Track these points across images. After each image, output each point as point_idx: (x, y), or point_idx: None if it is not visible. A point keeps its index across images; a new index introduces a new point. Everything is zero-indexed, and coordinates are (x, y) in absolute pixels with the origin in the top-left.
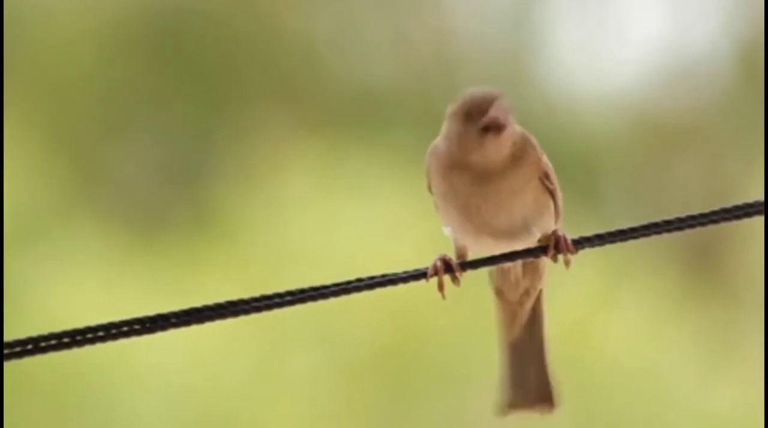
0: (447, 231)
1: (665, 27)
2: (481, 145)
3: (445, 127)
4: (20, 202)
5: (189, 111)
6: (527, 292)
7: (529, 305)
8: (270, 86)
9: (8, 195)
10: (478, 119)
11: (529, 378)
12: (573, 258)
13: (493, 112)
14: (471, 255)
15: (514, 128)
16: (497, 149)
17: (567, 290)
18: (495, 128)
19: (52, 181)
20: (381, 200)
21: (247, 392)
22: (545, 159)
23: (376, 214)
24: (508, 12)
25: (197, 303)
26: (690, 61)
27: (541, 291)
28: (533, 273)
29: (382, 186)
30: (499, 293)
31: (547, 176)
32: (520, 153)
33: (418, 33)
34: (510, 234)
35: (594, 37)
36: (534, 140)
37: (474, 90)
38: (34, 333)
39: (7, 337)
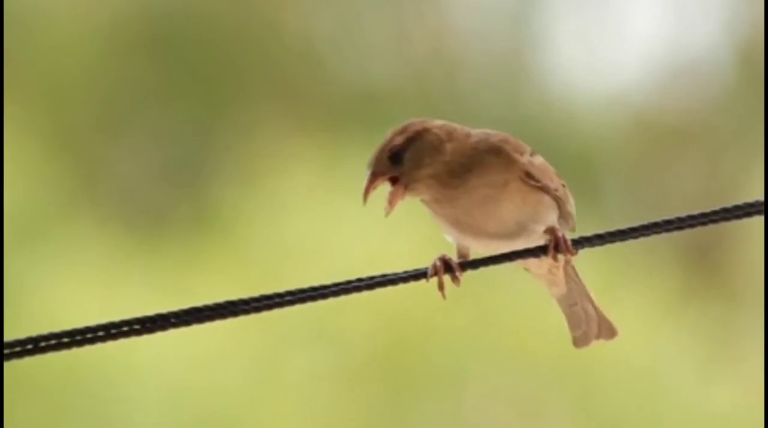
0: (448, 237)
1: (665, 27)
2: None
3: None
4: (20, 202)
5: (189, 111)
6: (554, 265)
7: (560, 272)
8: (270, 86)
9: (8, 195)
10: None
11: (585, 318)
12: (572, 258)
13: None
14: (473, 254)
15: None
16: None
17: None
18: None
19: (52, 181)
20: (381, 200)
21: (247, 392)
22: (527, 158)
23: (375, 214)
24: (508, 12)
25: (197, 303)
26: (690, 61)
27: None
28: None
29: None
30: (527, 270)
31: (529, 175)
32: (476, 162)
33: (418, 33)
34: (508, 236)
35: (594, 37)
36: (507, 144)
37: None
38: (34, 333)
39: (7, 337)
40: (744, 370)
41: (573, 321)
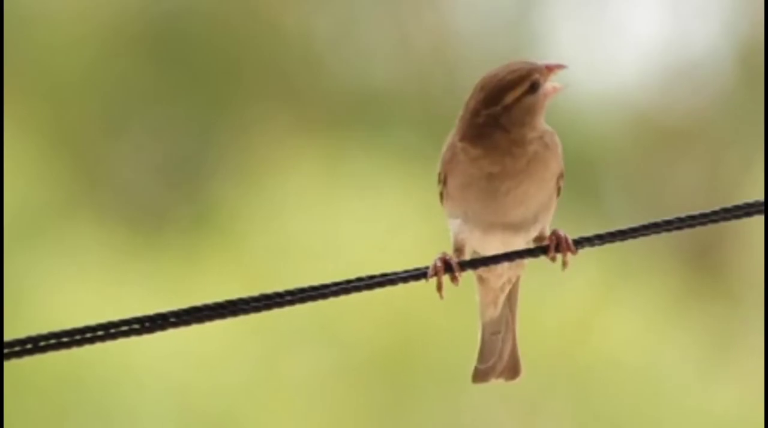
0: (453, 223)
1: (665, 27)
2: (543, 96)
3: (482, 111)
4: (21, 202)
5: (189, 110)
6: (509, 280)
7: (508, 289)
8: (270, 86)
9: (8, 194)
10: (537, 75)
11: (499, 350)
12: (572, 258)
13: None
14: (468, 250)
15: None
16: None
17: (567, 290)
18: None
19: (52, 181)
20: (380, 199)
21: (247, 391)
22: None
23: (375, 213)
24: (508, 12)
25: (197, 303)
26: (690, 61)
27: (518, 276)
28: (517, 264)
29: (381, 185)
30: (482, 280)
31: (562, 175)
32: (552, 142)
33: (418, 33)
34: (518, 228)
35: (594, 37)
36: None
37: (500, 68)
38: (34, 333)
39: (7, 337)
40: (744, 370)
41: (486, 351)
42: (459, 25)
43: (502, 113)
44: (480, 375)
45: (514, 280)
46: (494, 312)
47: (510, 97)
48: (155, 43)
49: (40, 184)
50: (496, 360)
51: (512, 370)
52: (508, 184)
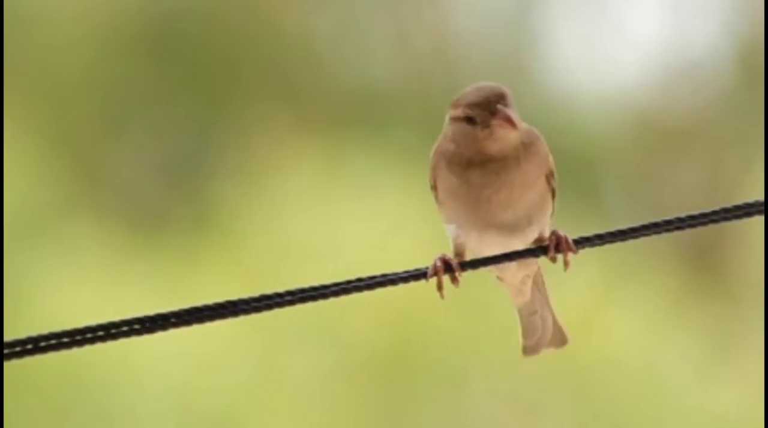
0: (449, 229)
1: (665, 27)
2: (488, 137)
3: (448, 128)
4: (21, 202)
5: (189, 110)
6: (527, 275)
7: (530, 282)
8: (270, 86)
9: (8, 194)
10: (486, 118)
11: (541, 326)
12: (572, 258)
13: (501, 112)
14: (469, 253)
15: (520, 124)
16: (505, 137)
17: (567, 290)
18: (505, 123)
19: (52, 181)
20: (381, 199)
21: (247, 392)
22: (551, 159)
23: (375, 214)
24: (508, 12)
25: (197, 303)
26: (690, 61)
27: (539, 266)
28: (528, 264)
29: (381, 185)
30: (501, 279)
31: (552, 174)
32: (531, 145)
33: (418, 33)
34: (514, 229)
35: (594, 37)
36: (543, 139)
37: (473, 87)
38: (34, 333)
39: (7, 337)
40: (744, 370)
41: (528, 330)
42: (459, 25)
43: (455, 124)
44: (530, 350)
45: (532, 275)
46: (524, 299)
47: (452, 113)
48: (155, 43)
49: (40, 184)
50: (541, 334)
51: (560, 339)
52: (487, 192)
